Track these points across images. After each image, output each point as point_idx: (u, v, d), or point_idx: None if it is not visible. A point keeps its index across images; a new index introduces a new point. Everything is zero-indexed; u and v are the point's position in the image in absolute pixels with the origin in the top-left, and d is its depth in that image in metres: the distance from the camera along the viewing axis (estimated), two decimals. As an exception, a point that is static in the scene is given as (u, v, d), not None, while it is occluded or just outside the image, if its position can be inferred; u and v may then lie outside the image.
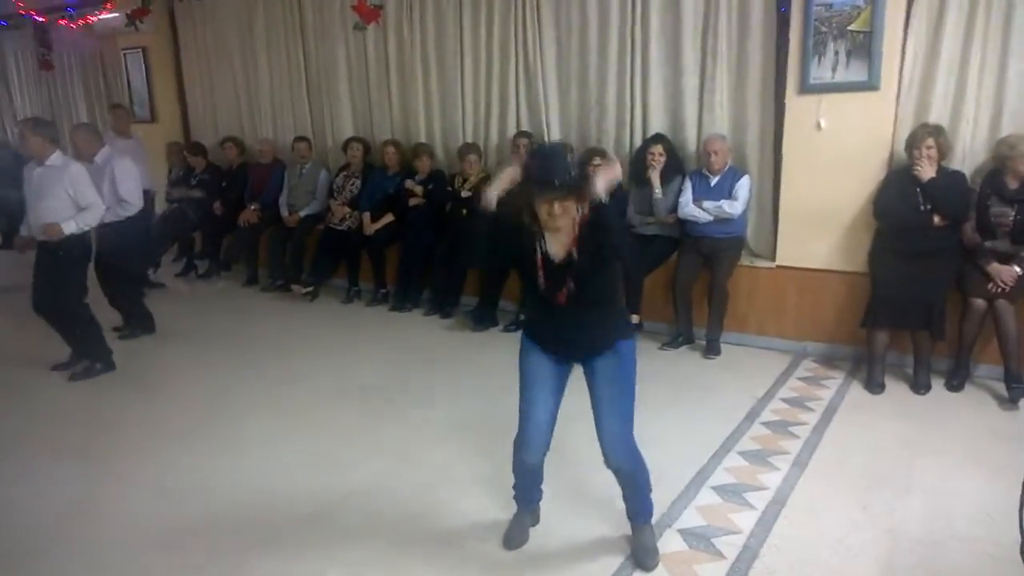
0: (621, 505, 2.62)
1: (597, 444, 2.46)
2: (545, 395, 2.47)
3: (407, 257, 5.91)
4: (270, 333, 5.43)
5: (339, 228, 6.26)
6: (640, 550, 2.56)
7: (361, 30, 6.20)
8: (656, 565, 2.52)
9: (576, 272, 2.28)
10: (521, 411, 2.51)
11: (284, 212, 6.63)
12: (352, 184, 6.31)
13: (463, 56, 5.90)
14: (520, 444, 2.54)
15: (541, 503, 2.79)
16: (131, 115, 7.31)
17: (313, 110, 6.95)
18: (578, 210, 2.22)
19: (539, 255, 2.30)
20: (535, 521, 2.78)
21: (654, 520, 2.69)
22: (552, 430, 2.52)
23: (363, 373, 4.51)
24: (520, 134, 5.58)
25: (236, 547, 2.69)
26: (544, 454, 2.55)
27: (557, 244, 2.29)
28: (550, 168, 2.17)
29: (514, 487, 2.70)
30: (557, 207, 2.17)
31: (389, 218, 6.04)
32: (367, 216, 6.09)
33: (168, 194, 7.23)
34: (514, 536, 2.68)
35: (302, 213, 6.53)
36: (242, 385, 4.33)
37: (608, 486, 2.65)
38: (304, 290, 6.22)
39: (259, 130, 7.29)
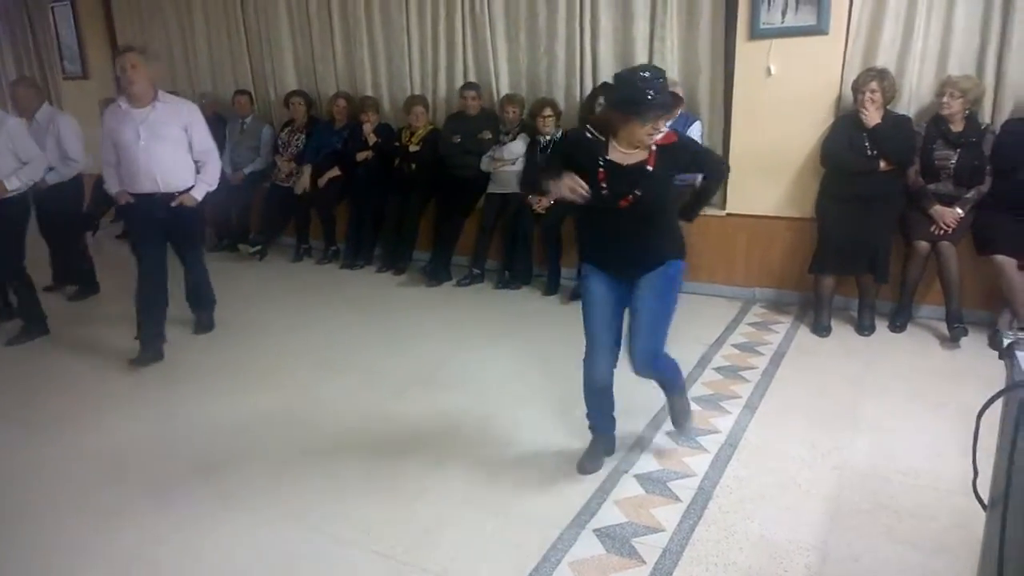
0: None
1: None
2: (605, 315, 2.63)
3: (357, 213, 5.80)
4: (217, 294, 5.28)
5: (285, 185, 6.11)
6: (674, 412, 2.94)
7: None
8: (691, 426, 2.98)
9: (646, 181, 2.46)
10: (586, 335, 2.66)
11: (227, 169, 6.40)
12: (297, 139, 6.15)
13: (408, 5, 5.72)
14: (588, 366, 2.69)
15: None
16: (40, 91, 5.36)
17: (254, 63, 6.70)
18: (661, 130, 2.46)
19: (600, 168, 2.47)
20: (610, 451, 2.88)
21: (611, 467, 2.79)
22: (617, 351, 2.68)
23: (316, 331, 4.44)
24: (467, 86, 5.47)
25: (196, 511, 2.64)
26: (611, 375, 2.71)
27: (630, 156, 2.48)
28: (648, 94, 2.33)
29: (587, 415, 2.83)
30: (652, 127, 2.40)
31: (335, 172, 5.90)
32: (307, 170, 5.93)
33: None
34: (586, 463, 2.79)
35: (246, 170, 6.34)
36: (187, 347, 4.23)
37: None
38: (252, 249, 6.09)
39: (197, 84, 7.00)
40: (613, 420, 2.86)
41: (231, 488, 2.77)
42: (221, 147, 6.39)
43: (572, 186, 2.42)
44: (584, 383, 2.74)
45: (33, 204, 4.49)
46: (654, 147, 2.49)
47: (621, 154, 2.50)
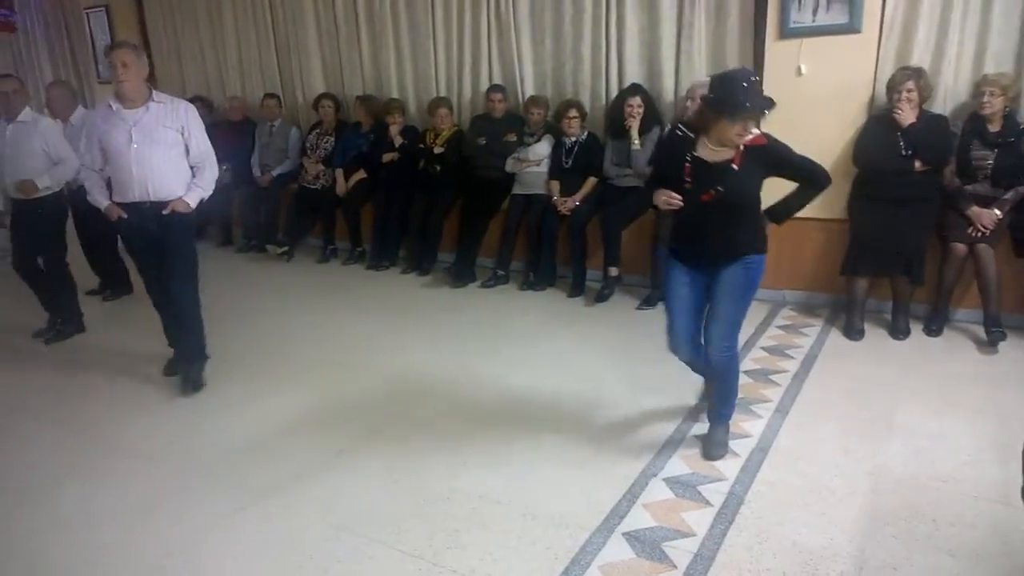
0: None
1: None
2: (688, 298, 2.81)
3: (382, 215, 5.81)
4: (246, 294, 5.34)
5: (313, 187, 6.15)
6: (711, 443, 2.90)
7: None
8: (721, 456, 2.85)
9: (730, 178, 2.60)
10: (667, 320, 2.88)
11: (256, 172, 6.49)
12: (325, 142, 6.18)
13: (434, 7, 5.73)
14: (672, 342, 2.90)
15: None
16: (74, 93, 5.43)
17: (282, 66, 6.75)
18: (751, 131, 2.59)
19: (687, 163, 2.64)
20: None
21: (640, 470, 2.74)
22: (696, 335, 2.85)
23: (341, 332, 4.45)
24: (493, 87, 5.46)
25: (220, 508, 2.65)
26: (695, 350, 2.88)
27: (718, 154, 2.62)
28: (740, 96, 2.48)
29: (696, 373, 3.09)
30: (742, 127, 2.53)
31: (361, 175, 5.92)
32: (340, 173, 5.97)
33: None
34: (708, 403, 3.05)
35: (275, 172, 6.39)
36: (217, 347, 4.23)
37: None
38: (279, 250, 6.14)
39: (227, 88, 7.10)
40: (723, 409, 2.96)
41: (260, 485, 2.77)
42: (250, 150, 6.52)
43: (666, 199, 2.68)
44: (680, 359, 2.96)
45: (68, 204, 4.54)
46: (742, 147, 2.59)
47: (709, 151, 2.63)
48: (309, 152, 6.24)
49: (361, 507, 2.62)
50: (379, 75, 6.18)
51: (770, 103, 2.60)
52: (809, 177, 2.75)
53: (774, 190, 2.78)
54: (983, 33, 4.00)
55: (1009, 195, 3.82)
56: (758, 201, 2.74)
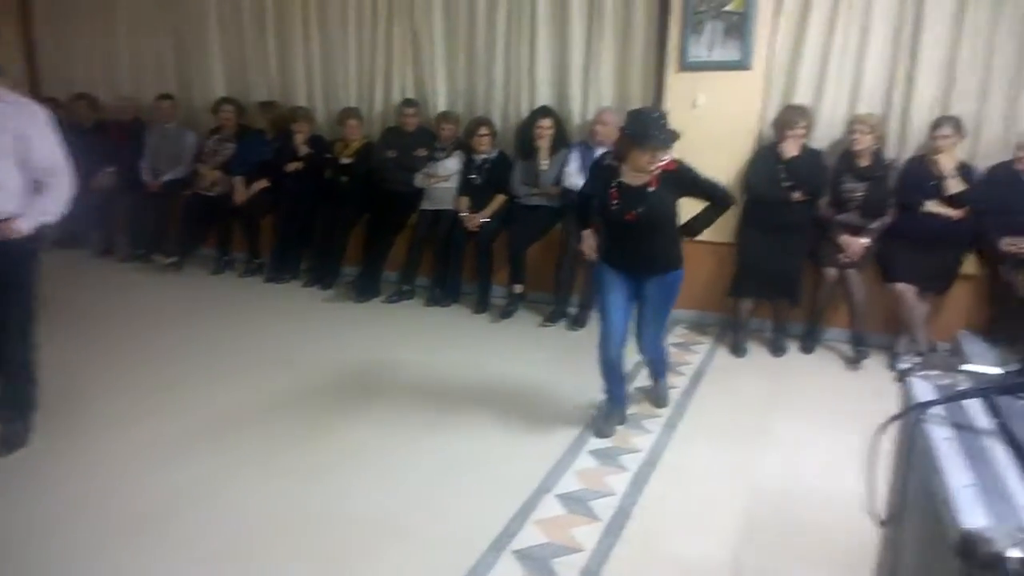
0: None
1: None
2: (618, 302, 3.20)
3: (284, 225, 5.70)
4: (130, 307, 5.09)
5: (208, 194, 5.95)
6: (656, 394, 3.59)
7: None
8: (666, 404, 3.57)
9: (649, 200, 3.03)
10: (601, 316, 3.27)
11: (145, 176, 6.19)
12: (225, 148, 6.01)
13: (347, 16, 5.70)
14: (601, 342, 3.24)
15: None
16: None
17: (180, 67, 6.51)
18: (661, 159, 3.00)
19: (613, 188, 3.07)
20: (622, 419, 3.39)
21: (533, 487, 2.85)
22: (626, 331, 3.23)
23: (234, 348, 4.33)
24: (407, 102, 5.48)
25: (114, 531, 2.55)
26: (621, 351, 3.24)
27: (637, 179, 3.05)
28: (649, 129, 2.92)
29: (604, 389, 3.36)
30: (650, 157, 2.95)
31: (263, 183, 5.79)
32: (240, 181, 5.82)
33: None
34: (602, 428, 3.31)
35: (165, 178, 6.12)
36: (96, 365, 4.01)
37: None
38: (168, 260, 5.89)
39: (118, 86, 6.76)
40: (624, 390, 3.43)
41: (130, 513, 2.68)
42: (139, 153, 6.22)
43: (586, 249, 3.52)
44: (599, 359, 3.27)
45: None
46: (657, 172, 3.01)
47: (631, 176, 3.07)
48: (205, 158, 6.05)
49: (239, 535, 2.54)
50: (286, 81, 6.07)
51: (674, 136, 3.01)
52: (715, 197, 3.19)
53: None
54: (857, 75, 4.36)
55: (876, 225, 4.16)
56: (675, 218, 3.17)
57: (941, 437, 1.20)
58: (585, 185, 3.46)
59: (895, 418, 1.41)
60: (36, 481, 2.86)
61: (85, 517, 2.62)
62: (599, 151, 4.76)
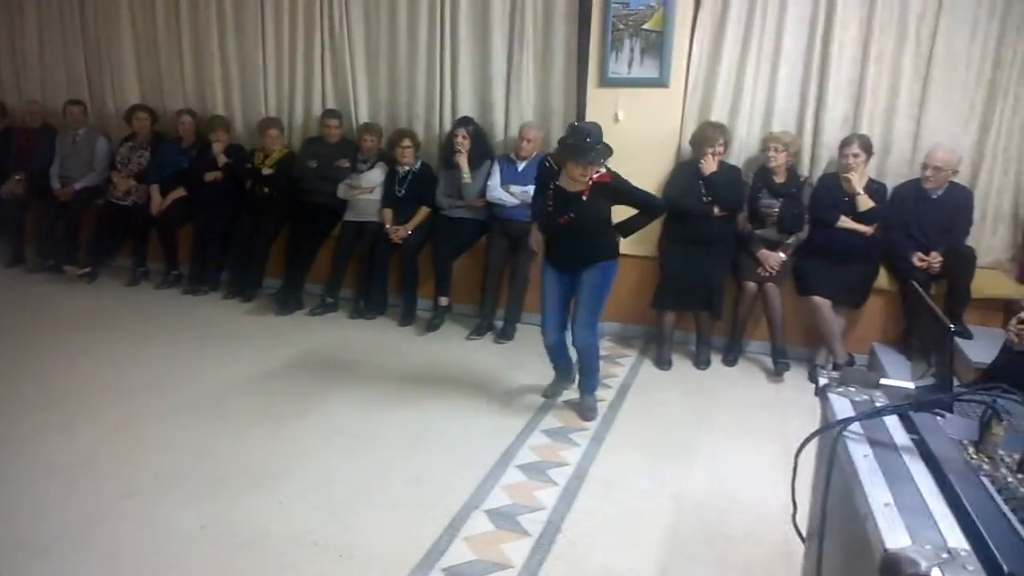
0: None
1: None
2: (555, 292, 3.54)
3: (202, 235, 5.51)
4: (38, 321, 4.84)
5: (123, 203, 5.70)
6: (583, 407, 3.65)
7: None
8: (594, 418, 3.61)
9: (579, 208, 3.34)
10: (542, 311, 3.58)
11: (55, 184, 5.91)
12: (139, 156, 5.77)
13: (264, 24, 5.57)
14: (544, 334, 3.62)
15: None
16: None
17: (91, 72, 6.22)
18: (594, 171, 3.30)
19: (551, 190, 3.40)
20: (570, 380, 3.82)
21: (461, 503, 2.80)
22: (564, 318, 3.58)
23: (149, 362, 4.15)
24: (328, 113, 5.38)
25: (-6, 567, 2.38)
26: (559, 335, 3.62)
27: (573, 186, 3.34)
28: (584, 144, 3.20)
29: (551, 363, 3.79)
30: (583, 170, 3.25)
31: (180, 193, 5.59)
32: (155, 190, 5.59)
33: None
34: (549, 390, 3.83)
35: (77, 186, 5.85)
36: (2, 380, 3.82)
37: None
38: (80, 271, 5.63)
39: (24, 90, 6.41)
40: (569, 361, 3.77)
41: (34, 538, 2.52)
42: (49, 160, 5.95)
43: (533, 242, 3.74)
44: (544, 344, 3.66)
45: None
46: (590, 182, 3.30)
47: (568, 182, 3.36)
48: (119, 166, 5.79)
49: (159, 559, 2.44)
50: (202, 89, 5.88)
51: (607, 152, 3.27)
52: (646, 207, 3.50)
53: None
54: (771, 94, 4.52)
55: (792, 240, 4.31)
56: (607, 222, 3.48)
57: (860, 454, 1.24)
58: (535, 194, 3.69)
59: (814, 435, 1.45)
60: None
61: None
62: (522, 165, 4.80)
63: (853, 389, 1.51)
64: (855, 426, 1.33)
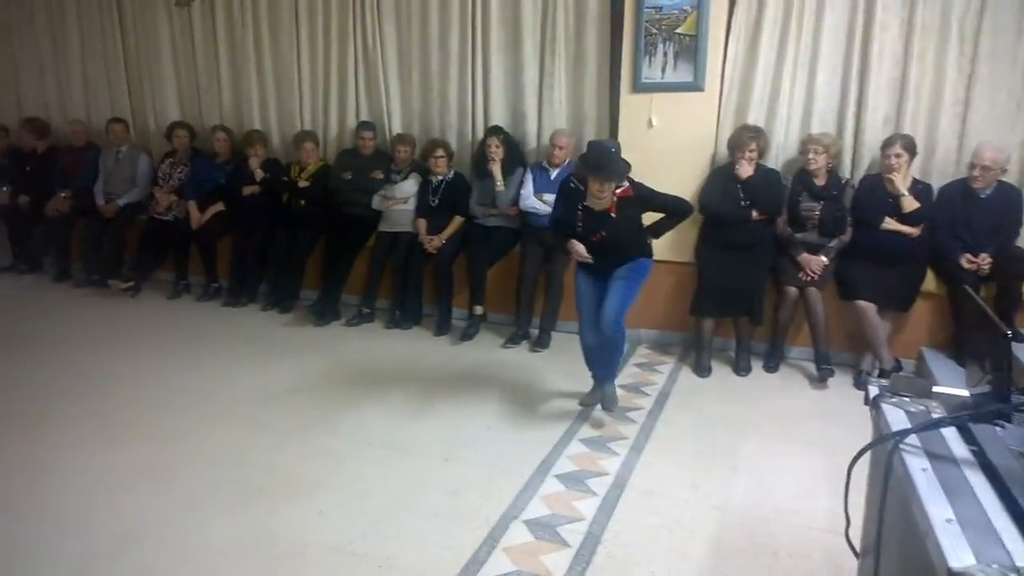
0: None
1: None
2: (590, 295, 3.53)
3: (241, 249, 5.59)
4: (85, 334, 4.94)
5: (164, 218, 5.82)
6: (605, 399, 3.63)
7: (184, 7, 5.78)
8: (615, 407, 3.62)
9: (610, 225, 3.38)
10: (577, 311, 3.61)
11: (100, 200, 6.06)
12: (179, 172, 5.89)
13: (299, 39, 5.64)
14: (582, 336, 3.61)
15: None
16: None
17: (132, 91, 6.36)
18: (615, 188, 3.33)
19: (579, 211, 3.42)
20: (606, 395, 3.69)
21: (500, 513, 2.78)
22: (598, 322, 3.45)
23: (191, 374, 4.20)
24: (363, 125, 5.42)
25: (42, 578, 2.41)
26: (596, 339, 3.51)
27: (599, 204, 3.38)
28: (599, 163, 3.24)
29: (589, 369, 3.71)
30: (599, 187, 3.29)
31: (218, 207, 5.69)
32: (193, 206, 5.69)
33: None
34: (588, 399, 3.73)
35: (120, 202, 6.00)
36: (49, 392, 3.90)
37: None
38: (124, 285, 5.76)
39: (69, 110, 6.58)
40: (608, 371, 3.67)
41: (84, 549, 2.55)
42: (94, 178, 6.10)
43: (577, 252, 3.47)
44: (581, 346, 3.64)
45: None
46: (615, 198, 3.34)
47: (594, 201, 3.37)
48: (161, 182, 5.92)
49: (199, 569, 2.46)
50: (239, 105, 5.98)
51: (624, 170, 3.32)
52: (674, 209, 3.54)
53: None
54: (809, 96, 4.43)
55: (834, 243, 4.22)
56: (639, 229, 3.51)
57: (918, 467, 1.19)
58: (555, 209, 3.65)
59: (867, 448, 1.39)
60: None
61: (32, 552, 2.48)
62: (555, 173, 4.78)
63: (907, 399, 1.45)
64: (911, 438, 1.27)
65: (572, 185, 3.45)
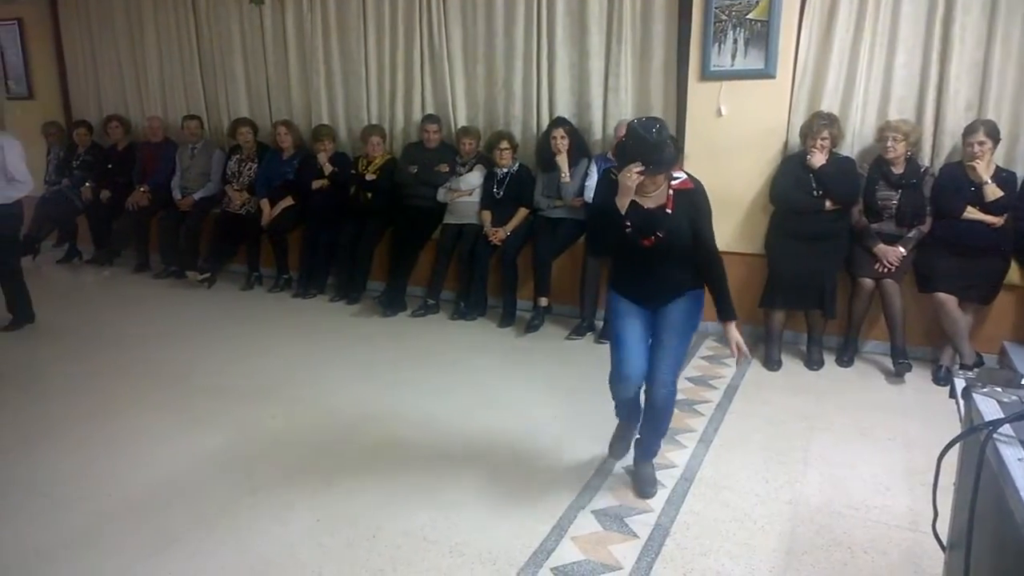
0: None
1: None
2: (634, 327, 2.75)
3: (310, 242, 5.73)
4: (163, 323, 5.15)
5: (237, 212, 6.02)
6: (641, 481, 2.89)
7: (258, 4, 5.94)
8: (655, 493, 2.86)
9: (668, 225, 2.63)
10: (613, 347, 2.79)
11: (176, 195, 6.31)
12: (248, 168, 6.06)
13: (366, 35, 5.74)
14: (614, 375, 2.78)
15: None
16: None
17: (207, 88, 6.61)
18: (666, 178, 2.63)
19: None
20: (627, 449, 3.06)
21: (568, 503, 2.78)
22: (644, 363, 2.74)
23: (264, 363, 4.34)
24: (428, 118, 5.49)
25: (133, 554, 2.53)
26: (638, 388, 2.80)
27: (650, 201, 2.65)
28: (638, 150, 2.51)
29: (621, 419, 3.01)
30: (648, 179, 2.56)
31: (288, 202, 5.84)
32: (266, 203, 5.86)
33: (48, 177, 6.83)
34: (616, 448, 3.09)
35: (196, 196, 6.23)
36: (130, 380, 4.08)
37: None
38: (200, 276, 5.96)
39: (147, 108, 6.88)
40: (638, 423, 2.95)
41: (174, 528, 2.67)
42: (171, 173, 6.35)
43: (627, 174, 2.53)
44: (614, 397, 2.86)
45: None
46: (671, 192, 2.65)
47: (642, 197, 2.64)
48: (232, 179, 6.10)
49: (281, 548, 2.54)
50: (308, 101, 6.12)
51: (671, 159, 2.58)
52: (708, 252, 2.70)
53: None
54: (887, 81, 4.28)
55: (912, 234, 4.07)
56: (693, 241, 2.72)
57: (1014, 458, 1.14)
58: (595, 197, 2.92)
59: (959, 438, 1.35)
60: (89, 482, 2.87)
61: (105, 540, 2.61)
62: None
63: (999, 390, 1.40)
64: (1004, 428, 1.23)
65: (613, 177, 2.65)
